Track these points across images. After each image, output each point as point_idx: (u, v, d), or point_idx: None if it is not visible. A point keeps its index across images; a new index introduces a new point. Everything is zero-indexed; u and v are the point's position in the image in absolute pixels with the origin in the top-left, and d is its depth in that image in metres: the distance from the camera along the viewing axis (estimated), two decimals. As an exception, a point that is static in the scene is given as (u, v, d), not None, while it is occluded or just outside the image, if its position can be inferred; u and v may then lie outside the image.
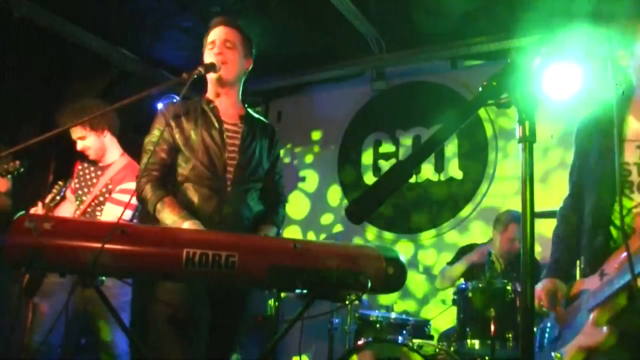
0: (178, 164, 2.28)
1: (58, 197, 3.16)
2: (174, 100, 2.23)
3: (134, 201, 3.05)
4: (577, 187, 2.15)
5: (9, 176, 3.21)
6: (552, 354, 1.92)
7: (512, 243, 3.82)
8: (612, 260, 1.82)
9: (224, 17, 2.39)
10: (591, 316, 1.79)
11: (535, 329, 2.20)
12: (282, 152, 5.27)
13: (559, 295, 1.99)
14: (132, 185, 3.08)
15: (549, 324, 2.07)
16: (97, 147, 3.21)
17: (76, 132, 3.18)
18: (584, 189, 2.08)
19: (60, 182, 3.19)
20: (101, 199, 3.15)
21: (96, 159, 3.26)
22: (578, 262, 2.09)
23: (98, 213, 3.16)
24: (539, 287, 2.02)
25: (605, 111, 1.96)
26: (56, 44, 4.52)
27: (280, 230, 2.52)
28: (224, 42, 2.32)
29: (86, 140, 3.19)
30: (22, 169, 3.10)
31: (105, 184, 3.18)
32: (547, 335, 2.06)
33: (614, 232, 1.90)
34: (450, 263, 4.05)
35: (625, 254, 1.66)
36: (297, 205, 5.59)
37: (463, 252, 4.05)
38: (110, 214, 3.08)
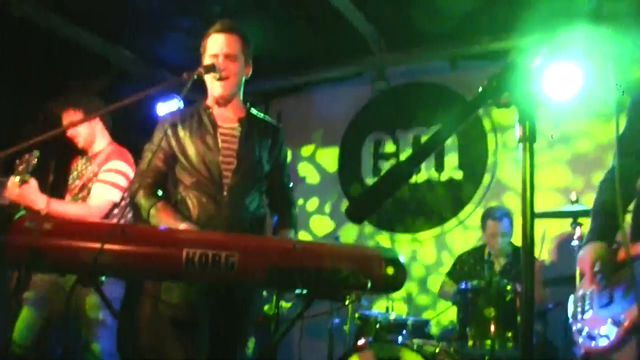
0: (178, 173, 2.27)
1: (29, 166, 3.03)
2: (177, 103, 2.22)
3: (124, 182, 3.07)
4: (629, 155, 2.01)
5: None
6: (608, 320, 1.84)
7: (492, 239, 3.84)
8: None
9: (224, 24, 2.29)
10: None
11: (572, 298, 2.13)
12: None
13: (607, 258, 1.91)
14: (117, 165, 3.09)
15: (590, 290, 1.98)
16: (86, 133, 3.22)
17: (68, 117, 3.20)
18: None
19: (26, 155, 3.08)
20: (89, 185, 3.13)
21: (85, 147, 3.26)
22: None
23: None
24: (583, 251, 1.97)
25: None
26: (56, 44, 4.52)
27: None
28: (226, 56, 2.24)
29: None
30: (36, 159, 3.04)
31: (92, 170, 3.18)
32: (595, 301, 1.97)
33: None
34: (449, 274, 4.05)
35: None
36: (297, 205, 5.58)
37: (461, 260, 4.04)
38: (97, 193, 3.06)
